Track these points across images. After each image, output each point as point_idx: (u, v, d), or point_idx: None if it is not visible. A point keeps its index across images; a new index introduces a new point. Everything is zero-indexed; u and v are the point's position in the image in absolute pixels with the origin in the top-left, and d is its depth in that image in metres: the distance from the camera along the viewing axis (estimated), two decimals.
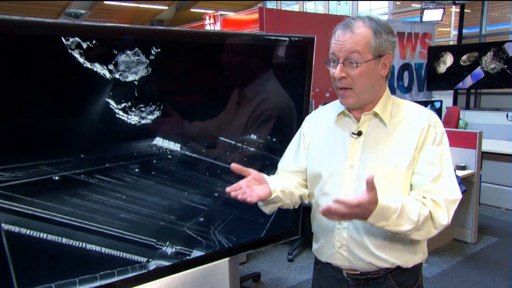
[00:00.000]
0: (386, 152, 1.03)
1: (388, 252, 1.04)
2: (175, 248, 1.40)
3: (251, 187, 1.00)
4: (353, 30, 0.98)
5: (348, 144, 1.07)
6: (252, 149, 1.50)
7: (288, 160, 1.20)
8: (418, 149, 1.02)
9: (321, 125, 1.15)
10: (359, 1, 8.69)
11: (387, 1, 8.05)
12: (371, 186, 0.87)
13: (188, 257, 1.43)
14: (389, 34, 1.00)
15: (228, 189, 0.98)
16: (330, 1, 9.42)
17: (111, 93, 1.15)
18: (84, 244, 1.19)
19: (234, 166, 1.02)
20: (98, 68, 1.12)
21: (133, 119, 1.21)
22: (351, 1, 8.90)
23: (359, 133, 1.06)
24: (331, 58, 1.02)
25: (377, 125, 1.05)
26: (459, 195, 1.01)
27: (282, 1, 10.54)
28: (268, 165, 1.54)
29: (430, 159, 1.01)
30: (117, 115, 1.18)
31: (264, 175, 1.06)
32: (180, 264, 1.42)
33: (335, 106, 1.13)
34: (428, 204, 0.98)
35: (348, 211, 0.87)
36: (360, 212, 0.89)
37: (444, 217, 0.98)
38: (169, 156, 1.31)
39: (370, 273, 1.07)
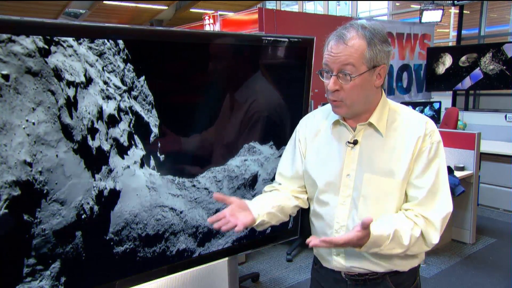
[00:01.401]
0: (382, 161, 1.02)
1: (384, 259, 1.05)
2: (175, 249, 1.40)
3: (235, 215, 1.00)
4: (346, 42, 0.94)
5: (344, 153, 1.06)
6: (251, 145, 1.51)
7: (285, 166, 1.19)
8: (413, 159, 1.01)
9: (316, 131, 1.13)
10: (358, 2, 8.70)
11: (386, 2, 8.06)
12: (365, 227, 0.89)
13: (187, 257, 1.44)
14: (383, 43, 0.97)
15: (210, 219, 0.99)
16: (329, 2, 9.43)
17: (105, 94, 1.16)
18: (81, 244, 1.19)
19: (216, 195, 1.03)
20: (93, 68, 1.12)
21: (129, 119, 1.21)
22: (350, 1, 8.91)
23: (355, 142, 1.05)
24: (324, 69, 1.00)
25: (372, 134, 1.04)
26: (451, 208, 1.02)
27: (281, 2, 10.54)
28: (265, 164, 1.55)
29: (426, 171, 1.00)
30: (113, 116, 1.19)
31: (247, 201, 1.07)
32: (179, 264, 1.43)
33: (330, 112, 1.10)
34: (420, 224, 0.99)
35: (337, 246, 0.92)
36: (351, 245, 0.93)
37: (436, 237, 1.00)
38: (169, 157, 1.32)
39: (368, 274, 1.08)
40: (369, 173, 1.03)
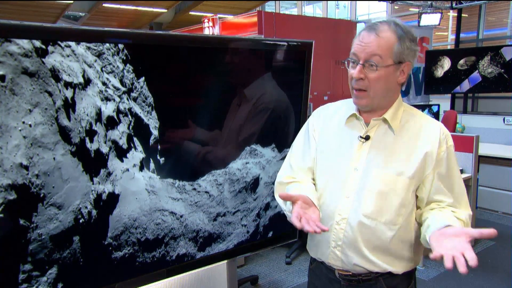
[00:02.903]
0: (392, 159, 1.04)
1: (380, 257, 1.05)
2: (175, 254, 1.39)
3: (306, 213, 0.98)
4: (378, 33, 0.98)
5: (355, 147, 1.07)
6: (252, 148, 1.50)
7: (297, 157, 1.18)
8: (434, 165, 1.03)
9: (330, 123, 1.14)
10: (357, 5, 8.74)
11: (385, 5, 8.11)
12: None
13: (186, 260, 1.43)
14: (412, 42, 1.01)
15: (298, 225, 0.94)
16: (328, 5, 9.48)
17: (103, 95, 1.15)
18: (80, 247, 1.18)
19: (282, 194, 1.01)
20: (91, 69, 1.11)
21: (129, 121, 1.20)
22: (349, 1, 8.94)
23: (367, 138, 1.06)
24: (351, 59, 1.02)
25: (385, 131, 1.06)
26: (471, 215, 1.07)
27: (280, 5, 10.58)
28: (268, 163, 1.54)
29: (450, 175, 1.04)
30: (120, 118, 1.17)
31: (309, 196, 1.03)
32: (178, 267, 1.41)
33: (346, 106, 1.12)
34: (463, 219, 1.03)
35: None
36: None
37: None
38: (169, 159, 1.31)
39: (362, 274, 1.08)
40: (377, 169, 1.04)
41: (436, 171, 1.03)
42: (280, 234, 1.69)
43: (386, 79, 0.99)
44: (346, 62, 1.04)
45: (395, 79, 1.02)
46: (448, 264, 0.81)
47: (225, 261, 1.59)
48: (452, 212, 1.03)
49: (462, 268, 0.80)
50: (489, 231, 0.86)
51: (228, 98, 1.42)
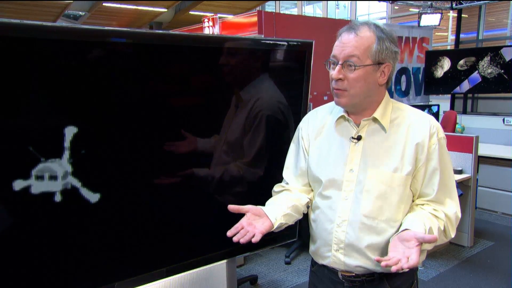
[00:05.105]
0: (386, 157, 1.04)
1: (382, 256, 1.03)
2: (175, 252, 1.39)
3: (252, 224, 1.00)
4: (357, 33, 0.99)
5: (348, 148, 1.07)
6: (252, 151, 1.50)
7: (290, 165, 1.19)
8: (425, 158, 1.03)
9: (319, 127, 1.14)
10: (357, 5, 8.74)
11: (385, 6, 8.11)
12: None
13: (186, 260, 1.43)
14: (392, 43, 1.01)
15: (229, 233, 0.98)
16: (328, 5, 9.48)
17: (112, 97, 1.16)
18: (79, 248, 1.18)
19: (231, 207, 1.02)
20: (94, 72, 1.12)
21: (134, 123, 1.21)
22: (349, 1, 8.94)
23: (359, 138, 1.06)
24: (331, 60, 1.03)
25: (376, 130, 1.06)
26: (459, 214, 1.07)
27: (280, 4, 10.58)
28: (268, 168, 1.54)
29: (439, 168, 1.04)
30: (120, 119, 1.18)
31: (262, 208, 1.06)
32: (178, 266, 1.42)
33: (334, 109, 1.13)
34: (442, 218, 1.04)
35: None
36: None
37: (453, 231, 1.07)
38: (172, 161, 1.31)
39: (365, 275, 1.08)
40: (372, 168, 1.04)
41: (427, 164, 1.03)
42: (279, 233, 1.69)
43: (365, 79, 0.99)
44: (327, 64, 1.04)
45: (375, 80, 1.01)
46: (393, 268, 0.89)
47: (225, 261, 1.59)
48: (434, 211, 1.04)
49: (393, 267, 0.89)
50: (430, 237, 0.94)
51: (228, 100, 1.42)
